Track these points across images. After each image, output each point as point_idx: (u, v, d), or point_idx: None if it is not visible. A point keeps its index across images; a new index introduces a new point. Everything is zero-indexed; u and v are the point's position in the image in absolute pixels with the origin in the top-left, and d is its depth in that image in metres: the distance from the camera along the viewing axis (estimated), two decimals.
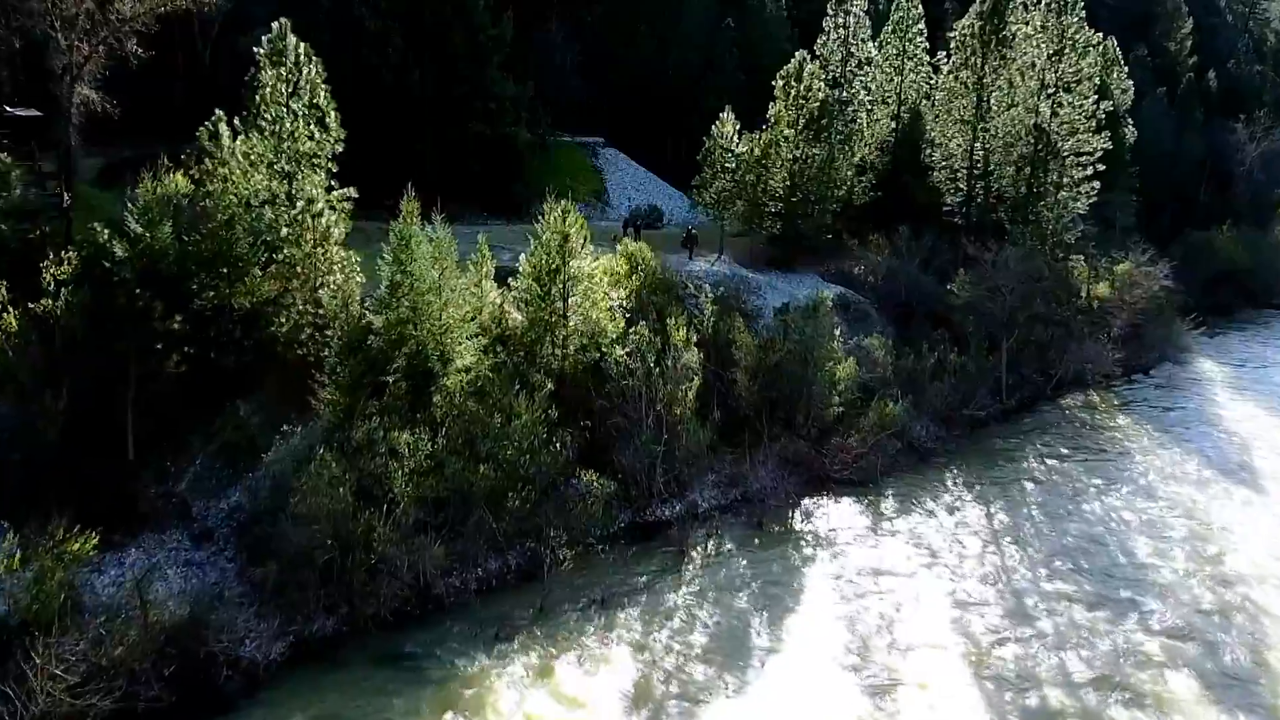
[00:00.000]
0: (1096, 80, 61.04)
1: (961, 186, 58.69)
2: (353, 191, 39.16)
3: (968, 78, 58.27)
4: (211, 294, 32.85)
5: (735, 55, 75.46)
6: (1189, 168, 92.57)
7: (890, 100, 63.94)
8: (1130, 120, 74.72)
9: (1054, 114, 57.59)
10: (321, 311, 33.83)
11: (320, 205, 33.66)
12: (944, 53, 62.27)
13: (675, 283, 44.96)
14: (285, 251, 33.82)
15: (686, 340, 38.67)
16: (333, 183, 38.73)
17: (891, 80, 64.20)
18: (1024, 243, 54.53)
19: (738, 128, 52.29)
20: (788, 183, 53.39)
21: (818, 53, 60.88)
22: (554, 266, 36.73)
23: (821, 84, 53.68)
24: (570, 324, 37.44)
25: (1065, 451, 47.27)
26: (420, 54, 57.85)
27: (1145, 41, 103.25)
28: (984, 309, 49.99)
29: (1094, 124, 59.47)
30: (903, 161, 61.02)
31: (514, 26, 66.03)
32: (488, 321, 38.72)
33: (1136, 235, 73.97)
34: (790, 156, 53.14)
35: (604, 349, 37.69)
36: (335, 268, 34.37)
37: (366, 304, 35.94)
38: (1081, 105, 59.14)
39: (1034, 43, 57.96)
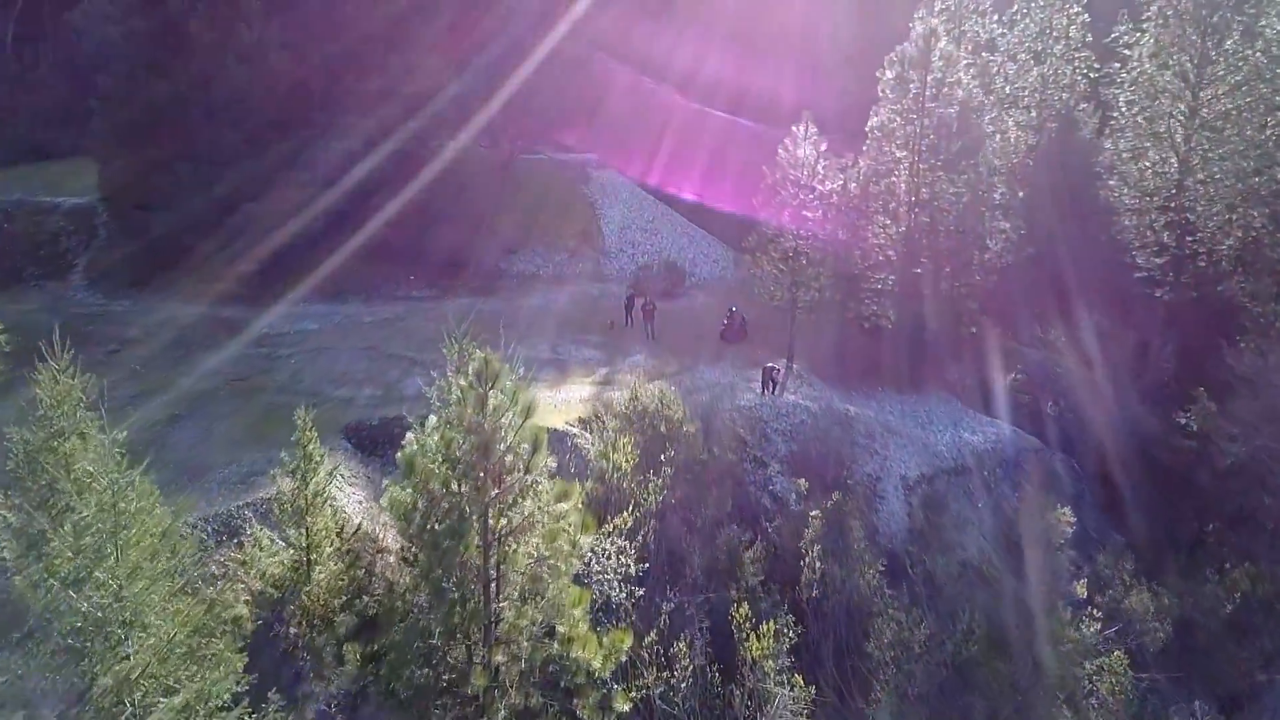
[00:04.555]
0: None
1: (1166, 240, 36.63)
2: None
3: (1179, 65, 36.25)
4: None
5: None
6: None
7: (1027, 104, 42.06)
8: None
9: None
10: None
11: None
12: (1121, 29, 40.27)
13: (732, 464, 22.88)
14: None
15: (772, 643, 16.58)
16: None
17: (1029, 72, 42.30)
18: None
19: (821, 148, 30.31)
20: (905, 239, 31.42)
21: (912, 29, 38.97)
22: (460, 509, 14.67)
23: (963, 75, 31.74)
24: (504, 613, 15.31)
25: None
26: (297, 29, 35.78)
27: None
28: (1269, 465, 27.99)
29: None
30: (1056, 198, 39.01)
31: None
32: (326, 587, 16.98)
33: None
34: (911, 197, 31.21)
35: (574, 678, 15.43)
36: None
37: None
38: None
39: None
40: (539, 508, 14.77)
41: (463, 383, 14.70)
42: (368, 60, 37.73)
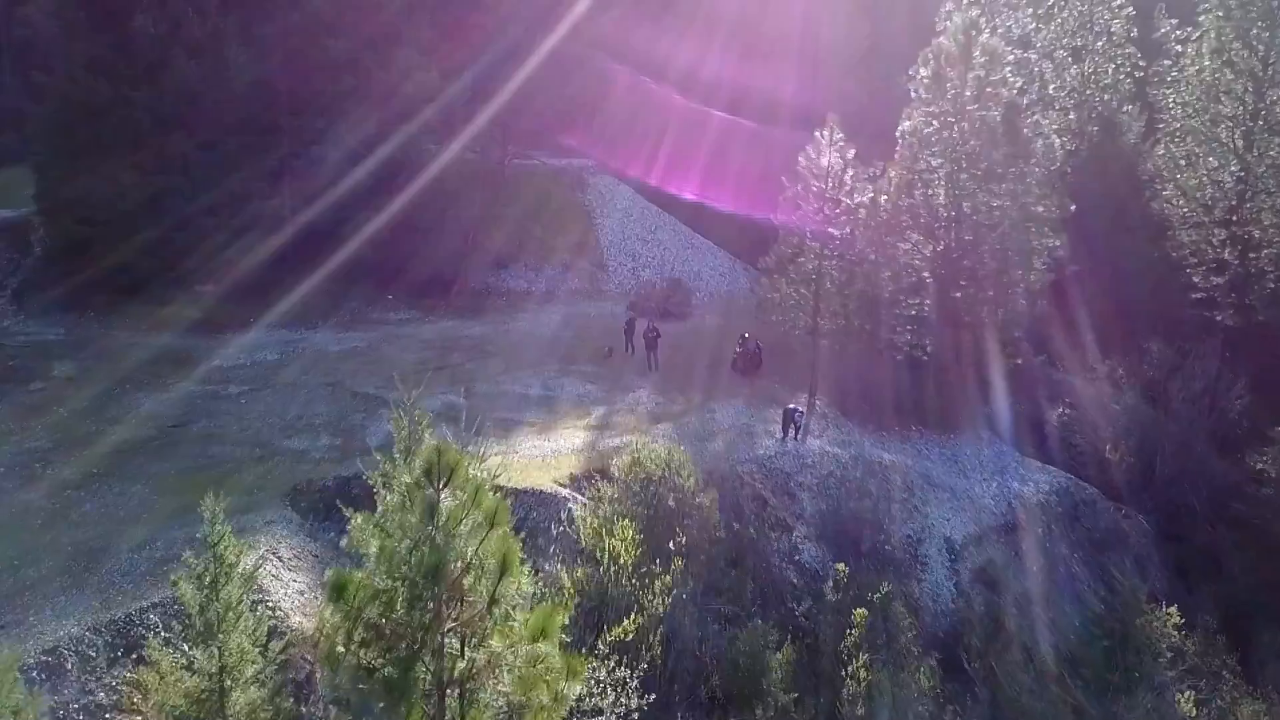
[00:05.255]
0: None
1: (1226, 257, 32.93)
2: None
3: (1244, 62, 32.51)
4: None
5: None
6: None
7: (1064, 106, 38.35)
8: None
9: None
10: None
11: None
12: (1173, 22, 36.64)
13: (753, 539, 19.15)
14: None
15: None
16: None
17: (1066, 70, 38.63)
18: None
19: (849, 155, 26.58)
20: (943, 258, 27.73)
21: (938, 25, 35.27)
22: (406, 645, 10.99)
23: (1007, 71, 28.08)
24: None
25: None
26: (260, 23, 32.09)
27: None
28: None
29: None
30: (1099, 210, 35.25)
31: None
32: None
33: None
34: (951, 212, 27.53)
35: None
36: None
37: None
38: None
39: None
40: (510, 648, 11.05)
41: (408, 479, 10.99)
42: (342, 59, 33.99)
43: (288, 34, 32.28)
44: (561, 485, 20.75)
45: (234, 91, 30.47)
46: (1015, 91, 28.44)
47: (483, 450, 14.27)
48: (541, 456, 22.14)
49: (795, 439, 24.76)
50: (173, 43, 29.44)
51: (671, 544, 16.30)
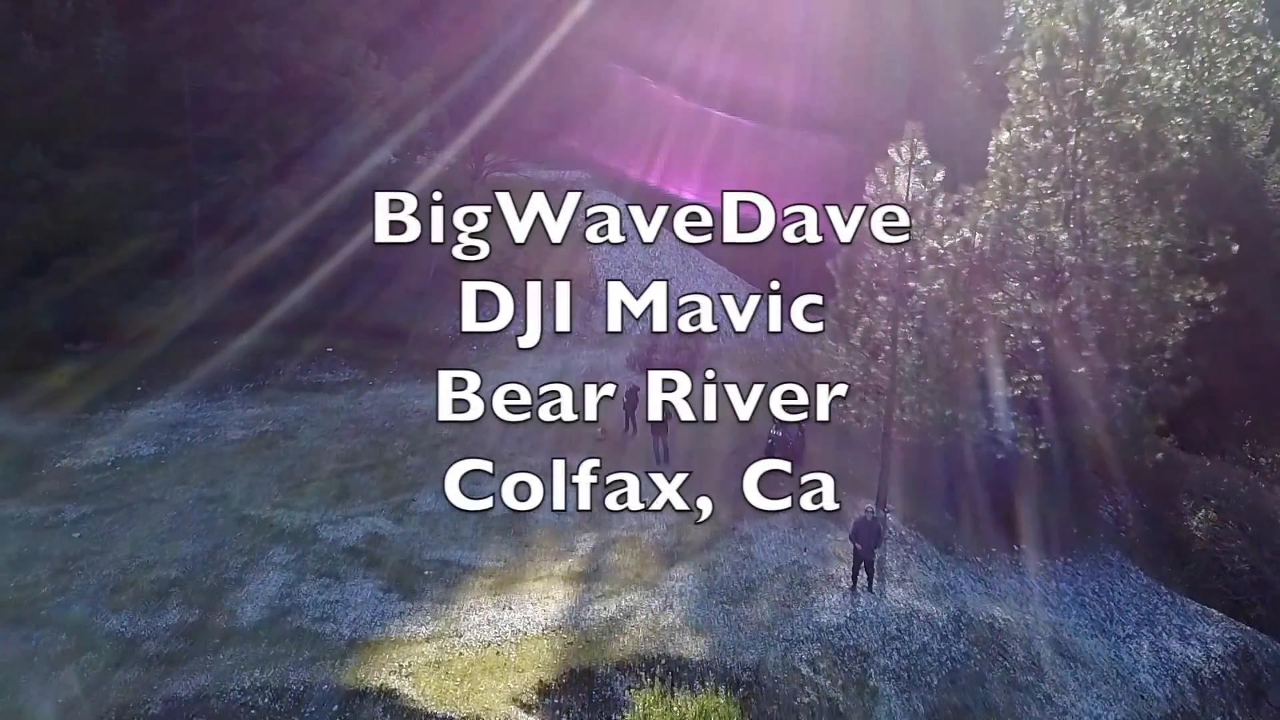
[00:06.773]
0: None
1: None
2: None
3: None
4: None
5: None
6: None
7: (1173, 113, 30.79)
8: None
9: None
10: None
11: None
12: None
13: None
14: None
15: None
16: None
17: (1175, 71, 31.14)
18: None
19: (937, 176, 19.11)
20: (1062, 321, 20.22)
21: (1022, 17, 27.85)
22: None
23: (1148, 65, 20.66)
24: None
25: None
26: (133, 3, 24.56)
27: None
28: None
29: None
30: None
31: None
32: None
33: None
34: (1075, 259, 20.00)
35: None
36: None
37: None
38: None
39: None
40: None
41: None
42: (264, 51, 26.50)
43: (186, 21, 24.75)
44: (524, 706, 13.29)
45: (103, 91, 22.96)
46: (1173, 89, 20.89)
47: None
48: (496, 642, 14.65)
49: (870, 588, 17.26)
50: (18, 26, 21.93)
51: None
